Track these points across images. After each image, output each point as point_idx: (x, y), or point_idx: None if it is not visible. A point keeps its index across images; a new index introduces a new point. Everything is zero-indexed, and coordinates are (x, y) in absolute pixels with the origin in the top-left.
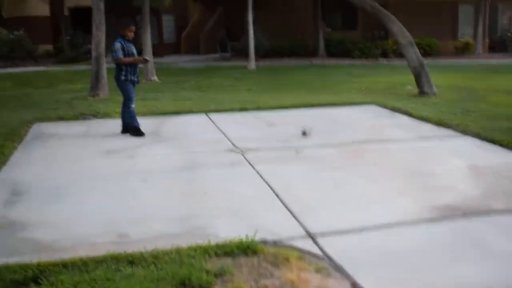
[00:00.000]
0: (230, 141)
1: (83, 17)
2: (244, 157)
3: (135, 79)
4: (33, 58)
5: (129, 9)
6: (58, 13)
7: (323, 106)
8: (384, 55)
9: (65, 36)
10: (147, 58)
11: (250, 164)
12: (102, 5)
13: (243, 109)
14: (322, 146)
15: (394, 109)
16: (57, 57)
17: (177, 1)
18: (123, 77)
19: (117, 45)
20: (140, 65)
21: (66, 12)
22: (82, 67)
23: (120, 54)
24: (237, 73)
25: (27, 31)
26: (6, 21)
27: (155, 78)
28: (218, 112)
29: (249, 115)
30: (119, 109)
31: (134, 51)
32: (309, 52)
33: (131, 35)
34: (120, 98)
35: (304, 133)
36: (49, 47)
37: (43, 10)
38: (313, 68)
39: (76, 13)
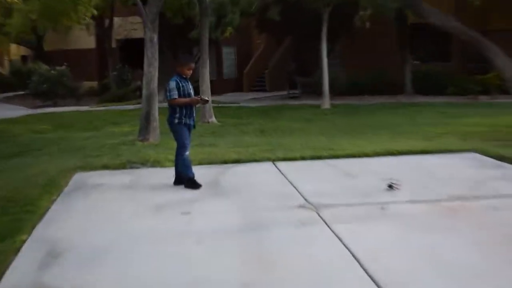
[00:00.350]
0: (301, 195)
1: (132, 50)
2: (319, 214)
3: (191, 123)
4: (75, 96)
5: (185, 41)
6: (105, 46)
7: (412, 154)
8: (486, 92)
9: (112, 72)
10: (206, 98)
11: (326, 224)
12: (155, 37)
13: (315, 156)
14: (412, 202)
15: (501, 158)
16: (102, 95)
17: (240, 31)
18: (177, 120)
19: (172, 83)
20: (198, 105)
21: (113, 45)
22: (130, 106)
23: (175, 95)
24: (308, 113)
25: (70, 66)
26: (47, 54)
27: (213, 120)
28: (286, 160)
29: (323, 164)
30: (171, 157)
31: (191, 90)
32: (394, 88)
33: (189, 73)
34: (173, 144)
35: (390, 186)
36: (94, 84)
37: (88, 42)
38: (399, 108)
39: (125, 45)
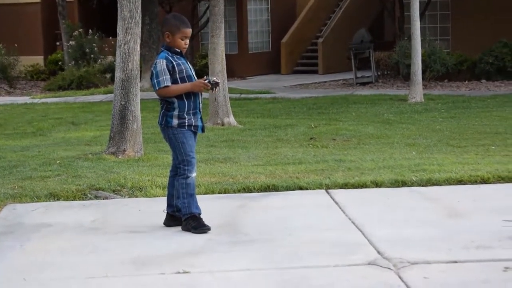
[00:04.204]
0: (371, 244)
1: (101, 4)
2: (401, 278)
3: (199, 123)
4: (7, 79)
5: None
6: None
7: None
8: None
9: (67, 41)
10: (217, 79)
11: None
12: None
13: (398, 182)
14: None
15: None
16: (52, 78)
17: None
18: (175, 121)
19: (161, 63)
20: (205, 95)
21: None
22: (97, 97)
23: (167, 80)
24: (388, 110)
25: None
26: None
27: (230, 120)
28: (349, 187)
29: (410, 194)
30: (162, 179)
31: (192, 71)
32: None
33: (184, 44)
34: (165, 159)
35: None
36: (38, 59)
37: None
38: None
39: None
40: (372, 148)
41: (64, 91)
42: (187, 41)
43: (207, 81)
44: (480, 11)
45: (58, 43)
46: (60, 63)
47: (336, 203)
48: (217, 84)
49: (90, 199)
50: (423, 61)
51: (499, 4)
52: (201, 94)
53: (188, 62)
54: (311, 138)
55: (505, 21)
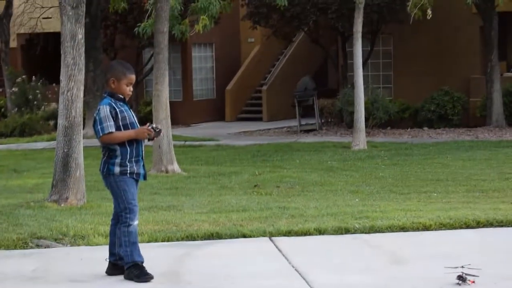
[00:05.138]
0: None
1: (45, 51)
2: None
3: (141, 171)
4: None
5: (131, 39)
6: None
7: (500, 226)
8: None
9: (10, 87)
10: (159, 127)
11: None
12: (80, 32)
13: (341, 229)
14: None
15: None
16: None
17: (221, 23)
18: (118, 168)
19: (104, 109)
20: (147, 143)
21: (13, 43)
22: (40, 144)
23: (111, 127)
24: (331, 158)
25: None
26: None
27: (174, 167)
28: (292, 234)
29: (353, 242)
30: (105, 228)
31: (134, 119)
32: (471, 117)
33: (128, 90)
34: (107, 207)
35: (461, 278)
36: None
37: None
38: (479, 148)
39: (31, 44)
40: (315, 195)
41: (6, 138)
42: (131, 87)
43: (150, 127)
44: (422, 59)
45: (0, 90)
46: (2, 109)
47: (280, 250)
48: (160, 131)
49: (32, 247)
50: (366, 108)
51: (440, 53)
52: (143, 142)
53: (131, 109)
54: (255, 186)
55: (446, 69)
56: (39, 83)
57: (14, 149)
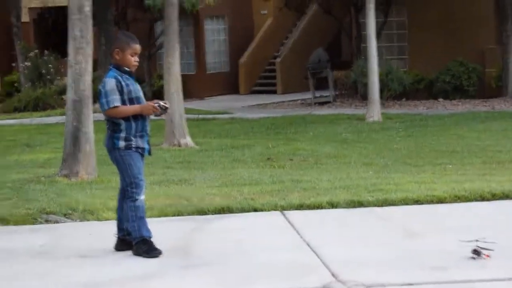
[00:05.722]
0: (326, 266)
1: (57, 25)
2: None
3: (145, 146)
4: None
5: (141, 11)
6: (10, 19)
7: None
8: None
9: (23, 62)
10: (166, 103)
11: None
12: (87, 4)
13: (354, 202)
14: None
15: None
16: (7, 99)
17: None
18: (122, 143)
19: (109, 82)
20: (153, 117)
21: (25, 18)
22: (53, 118)
23: (116, 100)
24: (345, 129)
25: None
26: None
27: (187, 141)
28: (304, 208)
29: (367, 215)
30: (114, 203)
31: (140, 93)
32: (487, 88)
33: (134, 61)
34: (117, 181)
35: (476, 252)
36: None
37: None
38: (495, 119)
39: (44, 18)
40: (329, 168)
41: (20, 112)
42: (137, 58)
43: (157, 104)
44: (436, 30)
45: (13, 64)
46: (16, 84)
47: (291, 224)
48: (166, 108)
49: (41, 223)
50: (380, 80)
51: (455, 24)
52: (149, 117)
53: (137, 83)
54: (268, 159)
55: (461, 40)
56: (51, 57)
57: (27, 124)
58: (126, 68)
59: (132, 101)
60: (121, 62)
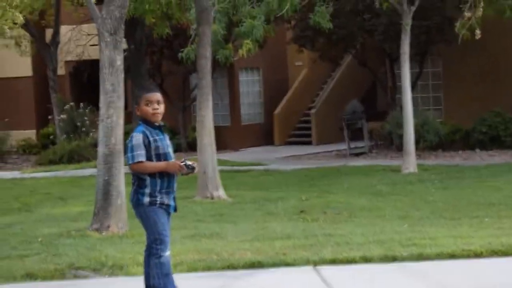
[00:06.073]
0: None
1: (93, 78)
2: None
3: (171, 203)
4: None
5: (176, 64)
6: (46, 73)
7: None
8: None
9: (59, 114)
10: (193, 164)
11: None
12: (119, 59)
13: (387, 257)
14: None
15: None
16: (43, 153)
17: (267, 47)
18: (147, 199)
19: (136, 137)
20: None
21: (61, 70)
22: (87, 171)
23: (141, 156)
24: (380, 182)
25: None
26: None
27: (220, 193)
28: (337, 263)
29: (400, 271)
30: (142, 257)
31: (169, 149)
32: None
33: (150, 111)
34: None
35: None
36: (30, 134)
37: (21, 66)
38: None
39: (79, 71)
40: (363, 221)
41: (55, 165)
42: (155, 105)
43: (183, 163)
44: (472, 80)
45: (50, 117)
46: (51, 136)
47: (324, 281)
48: (193, 168)
49: (69, 278)
50: (416, 131)
51: (490, 74)
52: (176, 175)
53: (167, 138)
54: (301, 211)
55: (497, 90)
56: (86, 110)
57: (61, 176)
58: (155, 123)
59: (159, 157)
60: (142, 115)
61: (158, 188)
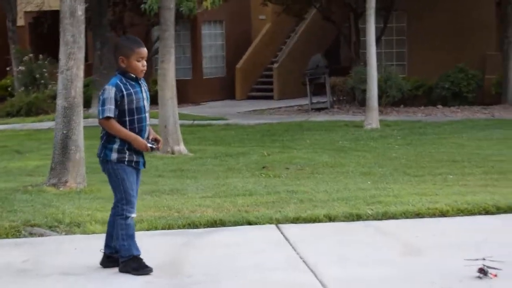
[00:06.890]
0: (324, 287)
1: (53, 29)
2: None
3: (140, 159)
4: None
5: (138, 16)
6: (5, 23)
7: None
8: None
9: (17, 66)
10: (152, 144)
11: None
12: (80, 9)
13: (352, 215)
14: None
15: None
16: (0, 105)
17: (233, 2)
18: (114, 155)
19: (108, 91)
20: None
21: (21, 22)
22: (46, 124)
23: (112, 111)
24: (343, 137)
25: None
26: None
27: (181, 148)
28: (301, 221)
29: (365, 229)
30: (103, 215)
31: (145, 102)
32: (487, 94)
33: (140, 67)
34: (108, 191)
35: (482, 271)
36: None
37: None
38: (495, 127)
39: (39, 22)
40: (326, 178)
41: (12, 117)
42: (144, 62)
43: (150, 146)
44: (436, 36)
45: (8, 68)
46: (9, 88)
47: (287, 240)
48: (156, 148)
49: (25, 236)
50: (379, 86)
51: (455, 29)
52: (147, 131)
53: (145, 90)
54: (263, 167)
55: (461, 46)
56: (46, 62)
57: (18, 129)
58: (132, 75)
59: (132, 111)
60: (128, 68)
61: (127, 144)
